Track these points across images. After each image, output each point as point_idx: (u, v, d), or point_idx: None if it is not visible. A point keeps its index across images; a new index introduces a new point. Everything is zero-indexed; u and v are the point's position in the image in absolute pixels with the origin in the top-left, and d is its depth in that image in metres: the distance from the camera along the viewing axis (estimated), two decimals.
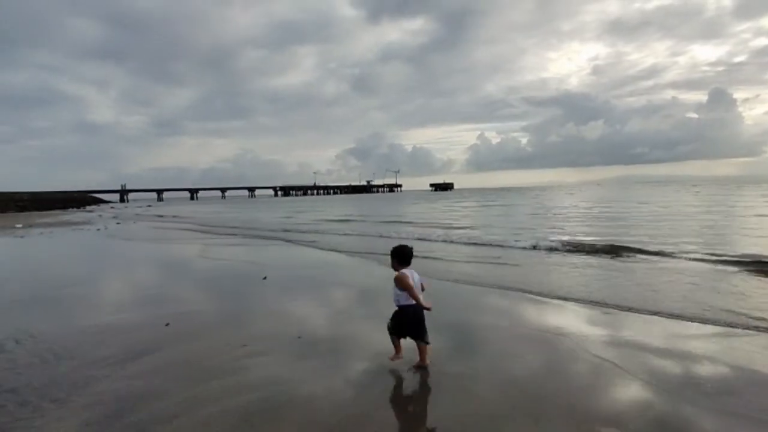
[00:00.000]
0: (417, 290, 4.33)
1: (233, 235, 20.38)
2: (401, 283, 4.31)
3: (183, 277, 10.13)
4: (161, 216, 41.35)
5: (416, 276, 4.45)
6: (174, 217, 39.61)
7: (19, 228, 27.92)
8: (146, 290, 8.66)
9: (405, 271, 4.41)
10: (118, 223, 31.54)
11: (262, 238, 18.61)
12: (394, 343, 4.53)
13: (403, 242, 4.84)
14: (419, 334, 4.41)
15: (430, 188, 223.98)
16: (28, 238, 21.20)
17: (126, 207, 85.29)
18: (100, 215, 46.36)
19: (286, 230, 21.58)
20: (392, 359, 4.51)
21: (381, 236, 17.51)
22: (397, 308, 4.44)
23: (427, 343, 4.46)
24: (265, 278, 9.24)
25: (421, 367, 4.44)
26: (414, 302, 4.29)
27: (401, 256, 4.50)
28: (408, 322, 4.36)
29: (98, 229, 25.89)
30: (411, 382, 4.22)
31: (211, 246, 16.27)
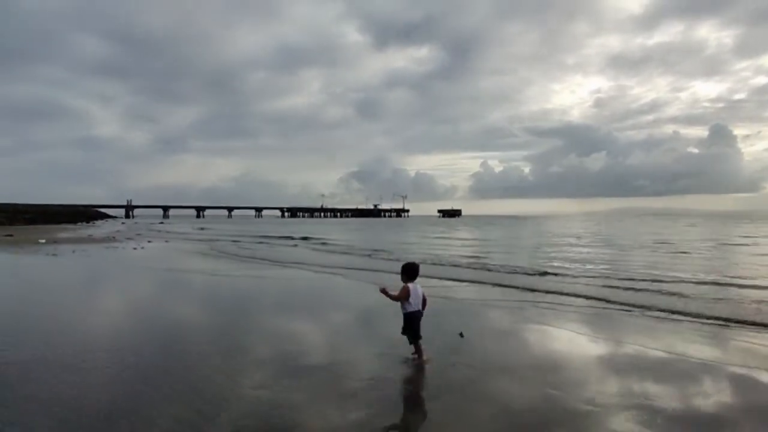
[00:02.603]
0: (416, 301, 5.31)
1: (299, 267, 17.61)
2: (401, 291, 5.31)
3: (357, 341, 7.23)
4: (197, 239, 38.67)
5: (419, 289, 5.38)
6: (212, 240, 36.86)
7: (43, 244, 25.13)
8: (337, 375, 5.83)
9: (410, 285, 5.32)
10: (149, 242, 28.69)
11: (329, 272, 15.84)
12: (419, 348, 5.35)
13: None
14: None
15: (438, 214, 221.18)
16: (63, 257, 18.39)
17: (136, 223, 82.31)
18: (118, 231, 43.51)
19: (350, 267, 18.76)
20: (424, 361, 5.31)
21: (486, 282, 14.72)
22: (404, 315, 5.32)
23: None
24: (462, 335, 6.47)
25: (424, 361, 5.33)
26: (418, 308, 5.33)
27: (410, 272, 5.40)
28: (418, 324, 5.32)
29: (134, 249, 23.09)
30: None
31: (299, 280, 13.51)
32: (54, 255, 18.92)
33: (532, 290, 10.91)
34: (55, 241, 26.61)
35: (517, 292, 10.66)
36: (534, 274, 13.79)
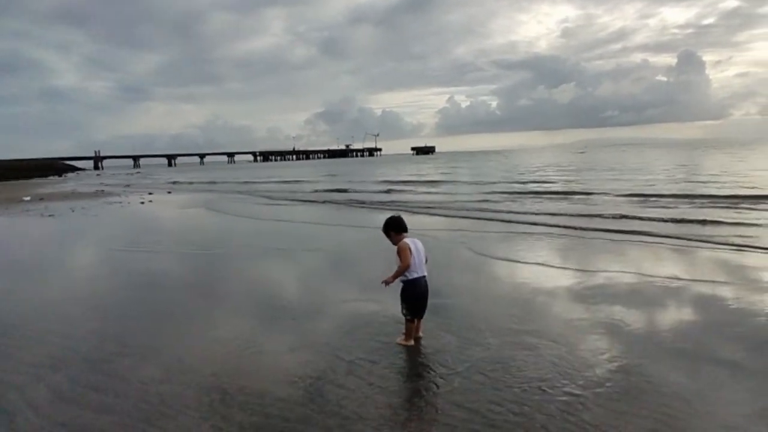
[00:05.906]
0: (420, 262, 3.95)
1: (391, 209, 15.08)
2: (400, 256, 3.92)
3: None
4: (199, 189, 35.36)
5: (420, 244, 4.04)
6: (217, 191, 33.64)
7: (28, 201, 21.78)
8: None
9: (407, 240, 3.98)
10: (150, 194, 25.46)
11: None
12: (409, 327, 4.02)
13: None
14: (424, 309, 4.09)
15: (412, 152, 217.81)
16: (65, 217, 15.40)
17: (113, 174, 77.21)
18: (102, 183, 39.63)
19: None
20: (407, 343, 4.01)
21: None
22: (405, 283, 3.97)
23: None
24: None
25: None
26: (423, 273, 3.97)
27: (397, 226, 4.08)
28: (423, 294, 3.97)
29: (141, 203, 20.06)
30: None
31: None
32: (51, 215, 15.83)
33: None
34: (41, 198, 23.21)
35: None
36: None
